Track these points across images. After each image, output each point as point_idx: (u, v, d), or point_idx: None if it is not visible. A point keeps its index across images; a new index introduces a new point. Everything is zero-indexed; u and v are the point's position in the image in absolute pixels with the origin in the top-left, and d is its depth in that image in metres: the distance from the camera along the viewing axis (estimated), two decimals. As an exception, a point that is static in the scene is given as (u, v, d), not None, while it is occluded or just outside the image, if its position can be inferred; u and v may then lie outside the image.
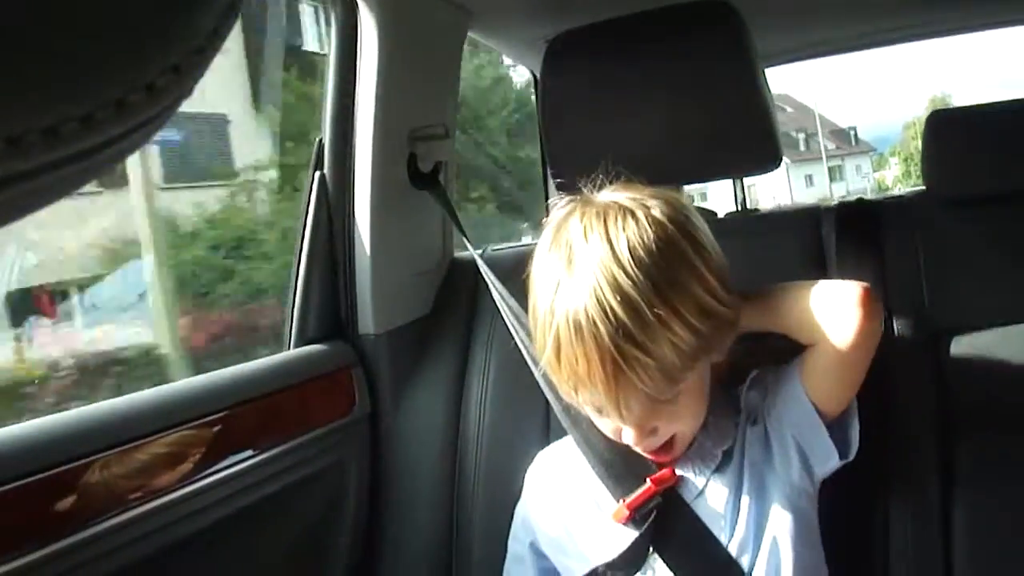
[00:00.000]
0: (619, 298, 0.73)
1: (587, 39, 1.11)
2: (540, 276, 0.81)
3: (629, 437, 0.83)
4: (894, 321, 1.02)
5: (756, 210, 1.47)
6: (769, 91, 1.07)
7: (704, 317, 0.76)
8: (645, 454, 0.87)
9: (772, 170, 1.11)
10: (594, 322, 0.74)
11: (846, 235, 1.09)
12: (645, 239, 0.76)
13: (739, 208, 1.68)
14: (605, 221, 0.78)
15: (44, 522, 0.74)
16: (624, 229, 0.76)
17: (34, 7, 0.19)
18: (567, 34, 1.12)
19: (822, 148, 28.80)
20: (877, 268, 1.05)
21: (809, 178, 28.31)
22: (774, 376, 0.89)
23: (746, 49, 1.03)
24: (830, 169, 29.17)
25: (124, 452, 0.82)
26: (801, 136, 29.21)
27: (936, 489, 0.97)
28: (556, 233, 0.81)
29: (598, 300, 0.74)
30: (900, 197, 1.30)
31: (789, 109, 30.07)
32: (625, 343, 0.73)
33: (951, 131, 1.11)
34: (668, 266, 0.75)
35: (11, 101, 0.20)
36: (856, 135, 32.02)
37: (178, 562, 0.87)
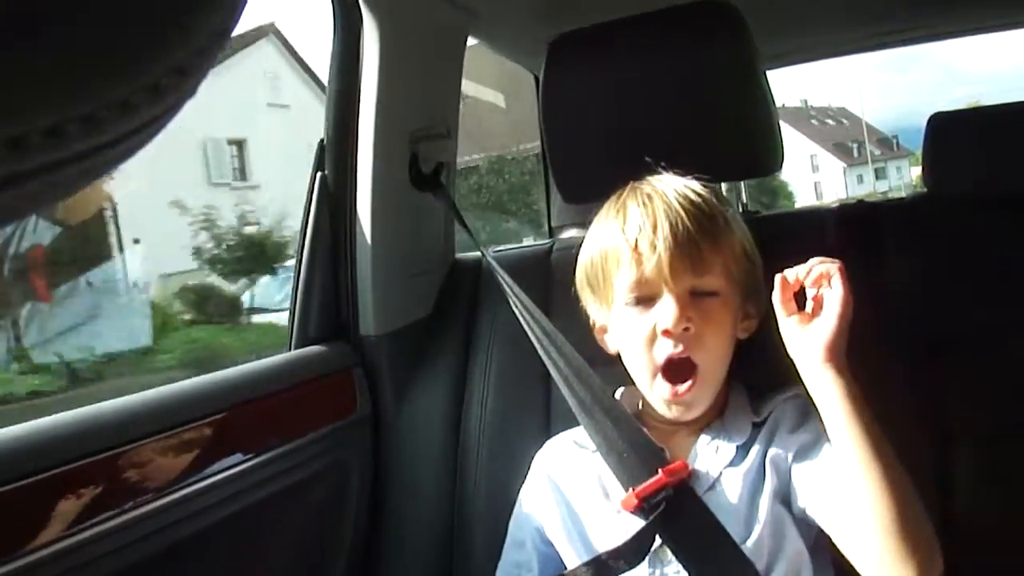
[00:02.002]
0: (684, 199, 0.89)
1: (588, 41, 1.11)
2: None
3: (668, 316, 0.85)
4: (892, 322, 1.02)
5: (757, 212, 1.47)
6: (771, 93, 1.07)
7: (748, 242, 0.92)
8: (669, 394, 0.87)
9: (773, 173, 1.10)
10: (664, 194, 0.90)
11: (847, 237, 1.09)
12: (700, 189, 0.92)
13: (741, 211, 1.68)
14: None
15: (45, 522, 0.74)
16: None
17: (37, 8, 0.19)
18: (568, 36, 1.11)
19: (868, 154, 39.34)
20: (876, 269, 1.04)
21: (860, 177, 38.27)
22: (807, 441, 0.86)
23: (748, 51, 1.03)
24: (875, 171, 39.25)
25: (126, 452, 0.82)
26: (854, 145, 39.22)
27: (934, 494, 0.96)
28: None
29: (669, 187, 0.91)
30: (901, 199, 1.29)
31: (845, 122, 40.92)
32: (688, 203, 0.89)
33: (952, 133, 1.10)
34: (717, 203, 0.92)
35: (13, 101, 0.20)
36: (898, 142, 41.16)
37: (179, 563, 0.87)
